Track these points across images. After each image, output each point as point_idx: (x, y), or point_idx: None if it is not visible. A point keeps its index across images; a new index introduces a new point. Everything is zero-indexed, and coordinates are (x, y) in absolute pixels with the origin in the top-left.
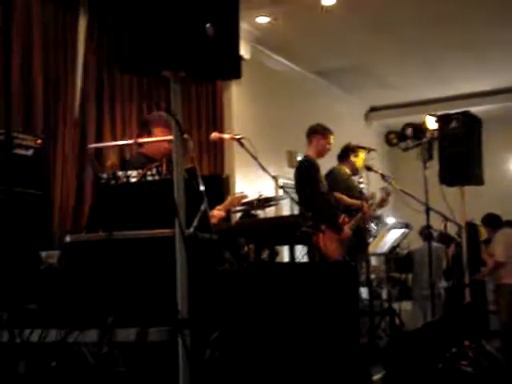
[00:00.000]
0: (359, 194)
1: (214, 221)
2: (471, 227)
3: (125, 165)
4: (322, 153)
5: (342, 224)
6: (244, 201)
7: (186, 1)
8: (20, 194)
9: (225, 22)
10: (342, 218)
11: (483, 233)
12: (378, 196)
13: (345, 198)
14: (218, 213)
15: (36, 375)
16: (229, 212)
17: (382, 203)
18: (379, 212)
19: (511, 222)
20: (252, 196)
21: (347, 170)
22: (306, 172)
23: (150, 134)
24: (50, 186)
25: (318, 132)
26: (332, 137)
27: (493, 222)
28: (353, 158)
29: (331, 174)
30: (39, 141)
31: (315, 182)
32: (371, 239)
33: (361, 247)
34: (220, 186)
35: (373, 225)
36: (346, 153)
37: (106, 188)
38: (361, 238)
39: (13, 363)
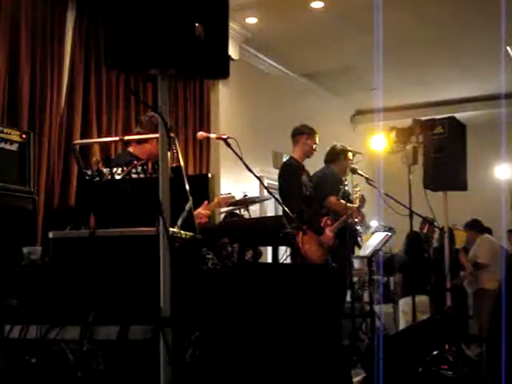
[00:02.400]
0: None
1: (201, 221)
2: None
3: (109, 162)
4: (308, 153)
5: (324, 226)
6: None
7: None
8: (4, 189)
9: (214, 21)
10: (324, 221)
11: (459, 238)
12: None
13: (341, 203)
14: (202, 212)
15: (16, 372)
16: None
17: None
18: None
19: (489, 229)
20: (237, 196)
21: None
22: (288, 174)
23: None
24: (35, 181)
25: (305, 132)
26: (317, 137)
27: (477, 226)
28: (342, 161)
29: (325, 176)
30: (24, 135)
31: (297, 184)
32: (361, 242)
33: (345, 249)
34: (205, 186)
35: (358, 228)
36: (336, 155)
37: (90, 184)
38: (345, 240)
39: None
